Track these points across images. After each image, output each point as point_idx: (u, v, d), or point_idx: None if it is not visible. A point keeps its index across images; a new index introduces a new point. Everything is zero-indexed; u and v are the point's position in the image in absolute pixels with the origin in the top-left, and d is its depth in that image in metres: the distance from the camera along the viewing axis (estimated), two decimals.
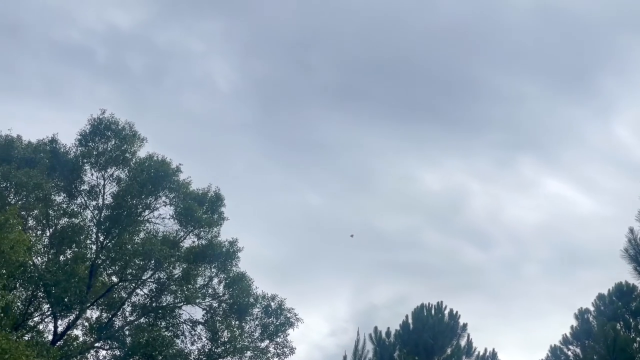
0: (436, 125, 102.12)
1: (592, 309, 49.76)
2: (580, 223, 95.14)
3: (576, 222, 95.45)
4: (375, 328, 43.16)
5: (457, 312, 43.91)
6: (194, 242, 40.92)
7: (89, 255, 38.56)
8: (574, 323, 49.40)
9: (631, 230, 28.49)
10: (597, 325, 47.41)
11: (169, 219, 40.35)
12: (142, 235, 39.83)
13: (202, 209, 40.54)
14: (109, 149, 39.71)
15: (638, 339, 39.25)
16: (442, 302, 44.28)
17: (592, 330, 48.14)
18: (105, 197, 39.70)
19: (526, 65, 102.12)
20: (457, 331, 43.38)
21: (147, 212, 40.23)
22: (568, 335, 49.22)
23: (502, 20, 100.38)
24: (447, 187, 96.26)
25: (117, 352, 38.54)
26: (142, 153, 40.11)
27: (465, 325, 43.49)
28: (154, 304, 40.08)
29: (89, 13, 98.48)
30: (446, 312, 44.09)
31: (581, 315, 49.40)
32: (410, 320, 43.69)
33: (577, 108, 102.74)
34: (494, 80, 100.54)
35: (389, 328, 43.26)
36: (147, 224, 40.33)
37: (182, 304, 39.91)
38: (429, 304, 44.23)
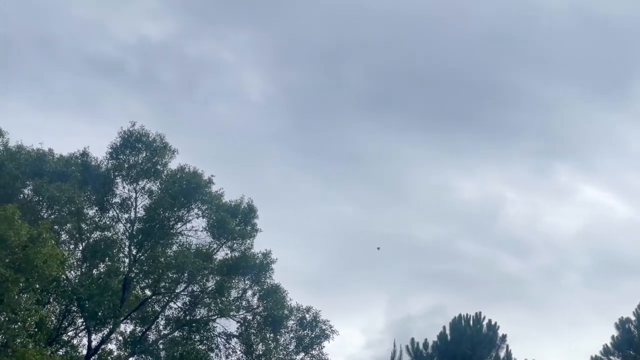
0: (471, 133, 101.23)
1: (633, 318, 48.87)
2: (620, 230, 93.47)
3: (616, 229, 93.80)
4: (412, 339, 42.79)
5: (495, 322, 43.47)
6: (227, 254, 40.59)
7: (122, 269, 38.38)
8: (615, 333, 48.58)
9: None
10: (638, 334, 46.54)
11: (202, 231, 40.05)
12: (174, 248, 39.54)
13: (235, 220, 40.16)
14: (140, 161, 39.43)
15: None
16: (480, 312, 43.89)
17: (633, 340, 47.35)
18: (137, 210, 39.45)
19: (562, 70, 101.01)
20: (496, 342, 42.90)
21: (179, 224, 39.90)
22: (609, 345, 48.38)
23: (536, 26, 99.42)
24: (483, 195, 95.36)
25: None
26: (173, 165, 39.92)
27: (504, 336, 43.06)
28: (187, 317, 39.74)
29: (120, 26, 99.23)
30: (484, 322, 43.61)
31: (622, 324, 48.49)
32: (447, 331, 43.25)
33: (615, 113, 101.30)
34: (529, 86, 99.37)
35: (426, 339, 42.93)
36: (180, 237, 40.01)
37: (216, 316, 39.52)
38: (466, 314, 43.81)
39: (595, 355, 48.06)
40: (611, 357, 47.82)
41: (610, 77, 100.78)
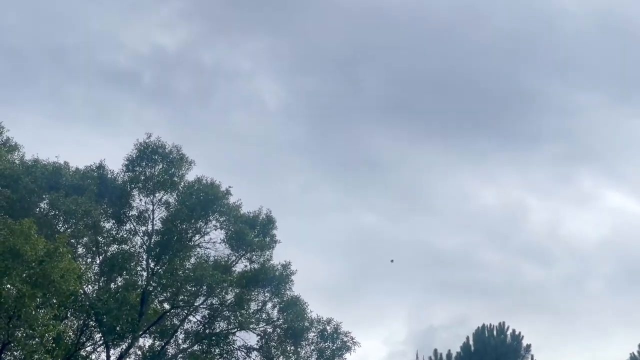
0: (491, 140, 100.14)
1: None
2: None
3: None
4: (435, 350, 42.16)
5: (519, 332, 42.81)
6: (246, 266, 40.20)
7: (140, 282, 38.03)
8: None
9: None
10: None
11: (220, 243, 39.71)
12: (193, 260, 39.11)
13: (254, 232, 39.78)
14: (157, 173, 39.09)
15: None
16: (504, 322, 43.15)
17: None
18: (154, 222, 39.11)
19: (584, 75, 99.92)
20: (520, 352, 42.21)
21: (197, 236, 39.52)
22: (636, 353, 47.43)
23: (557, 30, 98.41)
24: (505, 202, 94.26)
25: None
26: (190, 176, 39.58)
27: (528, 346, 42.34)
28: (207, 331, 39.32)
29: (134, 36, 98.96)
30: (508, 332, 42.94)
31: None
32: (471, 342, 42.62)
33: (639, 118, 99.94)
34: (550, 91, 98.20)
35: (449, 350, 42.25)
36: (198, 249, 39.66)
37: (235, 330, 39.14)
38: (490, 324, 43.10)
39: None
40: None
41: (634, 80, 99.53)
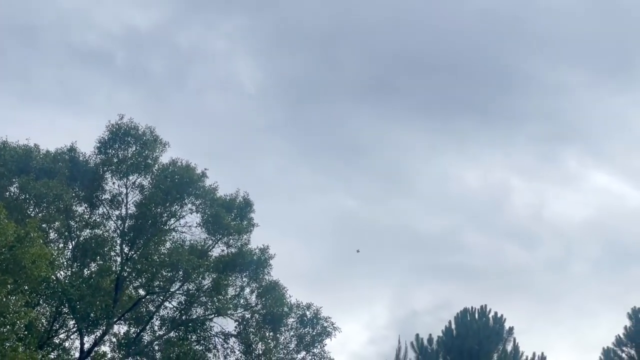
0: (474, 119, 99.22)
1: None
2: (630, 217, 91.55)
3: (626, 216, 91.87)
4: (417, 335, 41.42)
5: (502, 315, 42.15)
6: (223, 250, 39.64)
7: (114, 268, 37.32)
8: (628, 323, 47.22)
9: None
10: None
11: (196, 227, 39.12)
12: (168, 245, 38.56)
13: (231, 215, 39.26)
14: (130, 155, 38.36)
15: None
16: (486, 305, 42.54)
17: None
18: (128, 206, 38.43)
19: (567, 52, 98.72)
20: (502, 335, 41.58)
21: (172, 220, 38.90)
22: (621, 336, 47.02)
23: (538, 6, 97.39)
24: (488, 184, 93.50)
25: None
26: (164, 159, 38.86)
27: (511, 329, 41.71)
28: (183, 317, 38.71)
29: (106, 14, 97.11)
30: (490, 315, 42.36)
31: (635, 314, 47.11)
32: (453, 326, 41.99)
33: (624, 96, 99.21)
34: (532, 69, 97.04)
35: (431, 335, 41.47)
36: (173, 233, 39.10)
37: (213, 315, 38.53)
38: (472, 307, 42.50)
39: (608, 347, 46.79)
40: (624, 348, 46.54)
41: (618, 57, 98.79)
